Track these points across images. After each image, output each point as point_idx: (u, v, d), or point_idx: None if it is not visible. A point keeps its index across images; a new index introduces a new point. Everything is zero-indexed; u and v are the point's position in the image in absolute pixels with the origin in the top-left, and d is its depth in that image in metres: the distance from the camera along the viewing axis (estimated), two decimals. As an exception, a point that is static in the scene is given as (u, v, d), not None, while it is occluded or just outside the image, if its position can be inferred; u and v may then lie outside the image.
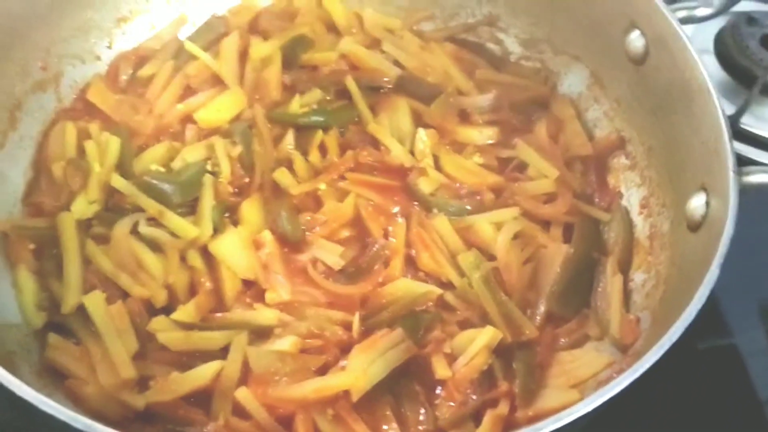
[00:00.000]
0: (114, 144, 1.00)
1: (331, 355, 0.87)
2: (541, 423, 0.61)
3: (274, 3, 1.22)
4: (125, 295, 0.90)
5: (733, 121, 1.22)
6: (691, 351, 1.02)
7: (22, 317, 0.90)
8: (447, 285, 0.95)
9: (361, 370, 0.83)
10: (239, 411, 0.83)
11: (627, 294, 0.96)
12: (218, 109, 1.07)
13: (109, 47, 1.14)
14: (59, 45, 1.08)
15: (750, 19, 1.33)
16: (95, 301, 0.88)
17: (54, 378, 0.86)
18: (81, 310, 0.89)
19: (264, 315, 0.89)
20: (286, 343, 0.87)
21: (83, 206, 0.96)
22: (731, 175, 0.80)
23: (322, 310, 0.91)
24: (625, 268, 0.98)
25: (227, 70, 1.11)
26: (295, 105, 1.08)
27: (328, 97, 1.10)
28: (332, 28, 1.20)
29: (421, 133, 1.06)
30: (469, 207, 1.01)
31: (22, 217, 0.99)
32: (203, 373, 0.84)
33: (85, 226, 0.96)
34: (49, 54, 1.07)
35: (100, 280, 0.91)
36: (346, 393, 0.83)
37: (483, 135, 1.08)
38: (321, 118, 1.07)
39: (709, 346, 1.05)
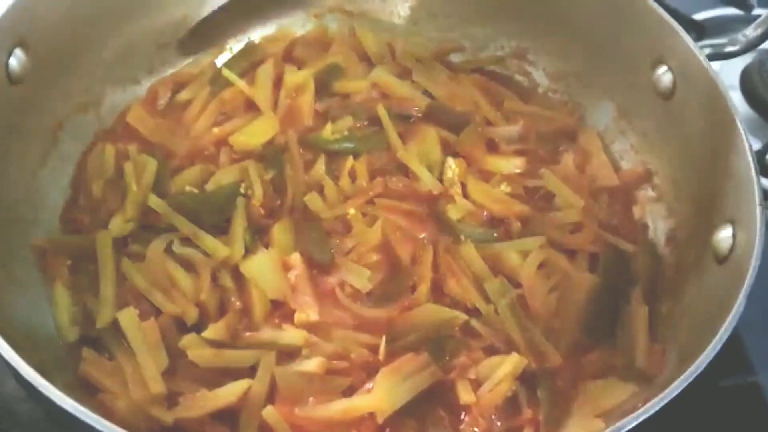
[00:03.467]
0: (151, 165, 1.03)
1: (356, 377, 0.88)
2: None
3: (309, 32, 1.26)
4: (157, 311, 0.93)
5: (760, 156, 1.22)
6: (711, 389, 1.01)
7: (57, 331, 0.93)
8: (473, 311, 0.95)
9: (387, 392, 0.84)
10: (265, 429, 0.84)
11: (653, 325, 0.96)
12: (252, 133, 1.10)
13: (149, 72, 1.18)
14: (102, 70, 1.12)
15: (777, 56, 1.34)
16: (128, 318, 0.90)
17: (85, 392, 0.88)
18: (114, 325, 0.91)
19: (292, 335, 0.91)
20: (312, 363, 0.88)
21: (120, 224, 0.99)
22: (758, 208, 0.81)
23: (350, 332, 0.92)
24: (650, 298, 0.98)
25: (262, 97, 1.14)
26: (327, 131, 1.10)
27: (358, 124, 1.13)
28: (364, 58, 1.23)
29: (450, 161, 1.08)
30: (495, 234, 1.02)
31: (60, 233, 1.02)
32: (231, 391, 0.86)
33: (121, 243, 0.98)
34: (93, 78, 1.11)
35: (133, 297, 0.94)
36: (372, 415, 0.84)
37: (510, 164, 1.10)
38: (351, 145, 1.10)
39: (731, 384, 1.03)
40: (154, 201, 0.99)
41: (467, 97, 1.17)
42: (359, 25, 1.26)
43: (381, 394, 0.84)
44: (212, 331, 0.90)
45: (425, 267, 0.98)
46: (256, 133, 1.10)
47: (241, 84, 1.15)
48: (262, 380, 0.86)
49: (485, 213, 1.05)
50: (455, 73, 1.21)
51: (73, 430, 0.67)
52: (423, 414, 0.86)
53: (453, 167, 1.07)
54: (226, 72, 1.16)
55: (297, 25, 1.26)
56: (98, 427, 0.64)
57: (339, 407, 0.84)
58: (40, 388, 0.67)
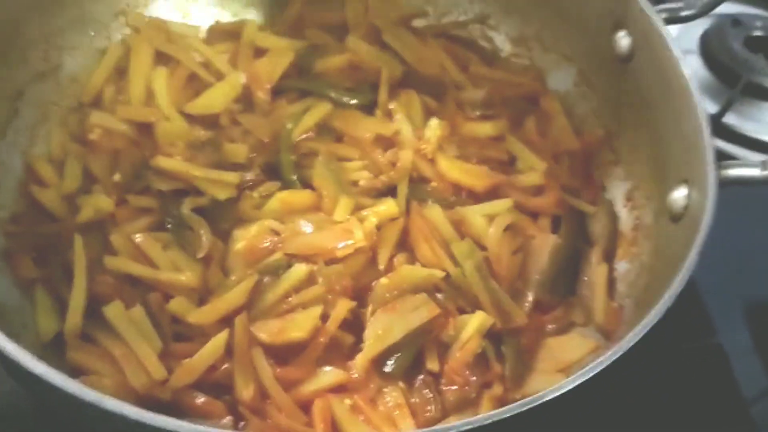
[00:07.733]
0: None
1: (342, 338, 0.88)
2: (516, 403, 0.65)
3: None
4: (142, 295, 0.90)
5: (717, 119, 1.26)
6: (676, 350, 1.04)
7: (37, 330, 0.89)
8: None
9: (383, 327, 0.86)
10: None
11: (611, 283, 0.99)
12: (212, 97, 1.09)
13: (108, 40, 1.16)
14: (58, 37, 1.10)
15: (735, 21, 1.37)
16: (115, 311, 0.87)
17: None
18: (98, 316, 0.88)
19: (297, 269, 0.91)
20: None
21: (94, 206, 0.97)
22: (710, 168, 0.83)
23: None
24: (609, 258, 1.01)
25: (222, 59, 1.14)
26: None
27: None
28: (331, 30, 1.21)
29: (434, 120, 1.07)
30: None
31: (22, 207, 1.00)
32: (215, 344, 0.85)
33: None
34: (49, 45, 1.09)
35: (112, 286, 0.90)
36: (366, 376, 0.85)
37: (491, 128, 1.10)
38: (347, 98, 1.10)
39: (694, 346, 1.08)
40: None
41: (435, 61, 1.17)
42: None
43: (375, 330, 0.85)
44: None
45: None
46: (216, 97, 1.09)
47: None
48: (242, 322, 0.86)
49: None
50: (421, 38, 1.21)
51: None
52: (411, 376, 0.88)
53: (434, 127, 1.06)
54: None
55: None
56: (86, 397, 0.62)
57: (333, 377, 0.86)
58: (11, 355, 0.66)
